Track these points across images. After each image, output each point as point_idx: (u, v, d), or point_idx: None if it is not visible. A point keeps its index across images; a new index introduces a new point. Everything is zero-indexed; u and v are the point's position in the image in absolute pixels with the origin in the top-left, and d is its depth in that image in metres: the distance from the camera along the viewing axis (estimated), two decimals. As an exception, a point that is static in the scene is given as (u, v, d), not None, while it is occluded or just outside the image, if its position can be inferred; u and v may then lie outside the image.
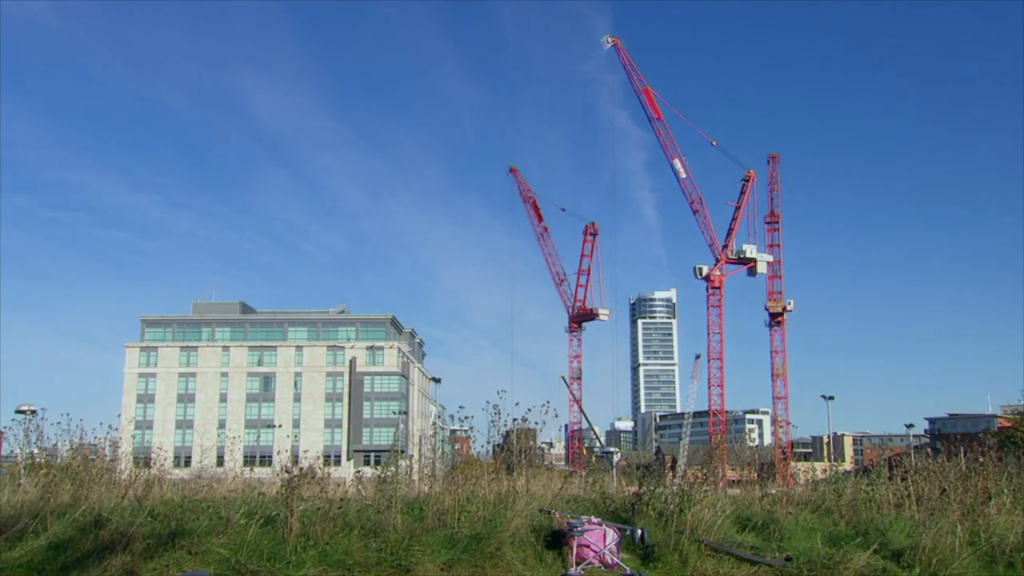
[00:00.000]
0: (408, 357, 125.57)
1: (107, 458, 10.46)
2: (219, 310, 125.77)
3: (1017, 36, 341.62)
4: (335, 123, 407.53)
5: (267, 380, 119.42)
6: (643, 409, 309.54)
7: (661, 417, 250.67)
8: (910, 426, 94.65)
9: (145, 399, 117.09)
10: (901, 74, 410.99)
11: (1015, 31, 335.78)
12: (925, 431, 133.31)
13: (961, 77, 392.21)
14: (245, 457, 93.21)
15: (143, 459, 12.80)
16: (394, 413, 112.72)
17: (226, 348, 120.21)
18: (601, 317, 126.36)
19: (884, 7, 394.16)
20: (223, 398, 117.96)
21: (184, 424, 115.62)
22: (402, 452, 12.22)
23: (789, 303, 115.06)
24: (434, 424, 18.67)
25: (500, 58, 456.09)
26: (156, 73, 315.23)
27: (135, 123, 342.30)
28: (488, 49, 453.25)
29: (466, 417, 12.88)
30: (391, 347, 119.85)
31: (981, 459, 8.74)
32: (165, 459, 14.25)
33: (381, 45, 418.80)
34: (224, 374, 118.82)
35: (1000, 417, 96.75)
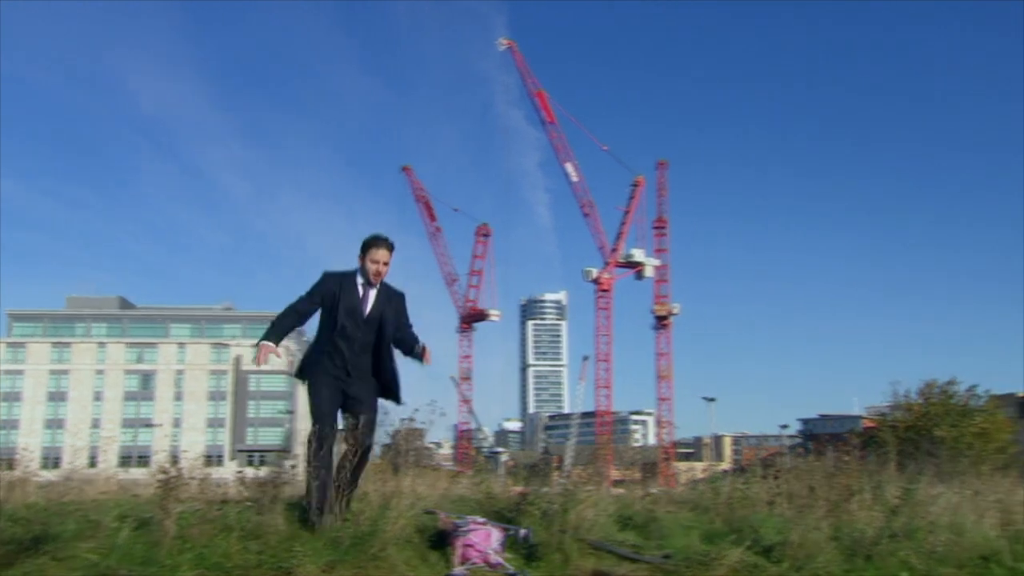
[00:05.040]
0: (295, 355, 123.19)
1: (-34, 459, 9.88)
2: (95, 305, 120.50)
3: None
4: (220, 113, 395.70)
5: (147, 378, 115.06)
6: (531, 409, 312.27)
7: (549, 417, 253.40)
8: (784, 426, 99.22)
9: (11, 397, 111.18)
10: (781, 80, 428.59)
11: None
12: (798, 431, 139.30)
13: (834, 81, 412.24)
14: (121, 458, 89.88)
15: (6, 460, 12.13)
16: (280, 412, 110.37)
17: (102, 345, 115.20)
18: (492, 318, 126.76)
19: (772, 8, 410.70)
20: (98, 396, 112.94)
21: (54, 424, 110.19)
22: (288, 452, 11.97)
23: (675, 307, 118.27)
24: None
25: (395, 54, 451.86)
26: (26, 50, 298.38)
27: (3, 104, 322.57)
28: (382, 44, 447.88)
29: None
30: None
31: (846, 458, 9.20)
32: (31, 460, 13.56)
33: (271, 37, 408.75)
34: (99, 372, 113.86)
35: (865, 418, 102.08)
